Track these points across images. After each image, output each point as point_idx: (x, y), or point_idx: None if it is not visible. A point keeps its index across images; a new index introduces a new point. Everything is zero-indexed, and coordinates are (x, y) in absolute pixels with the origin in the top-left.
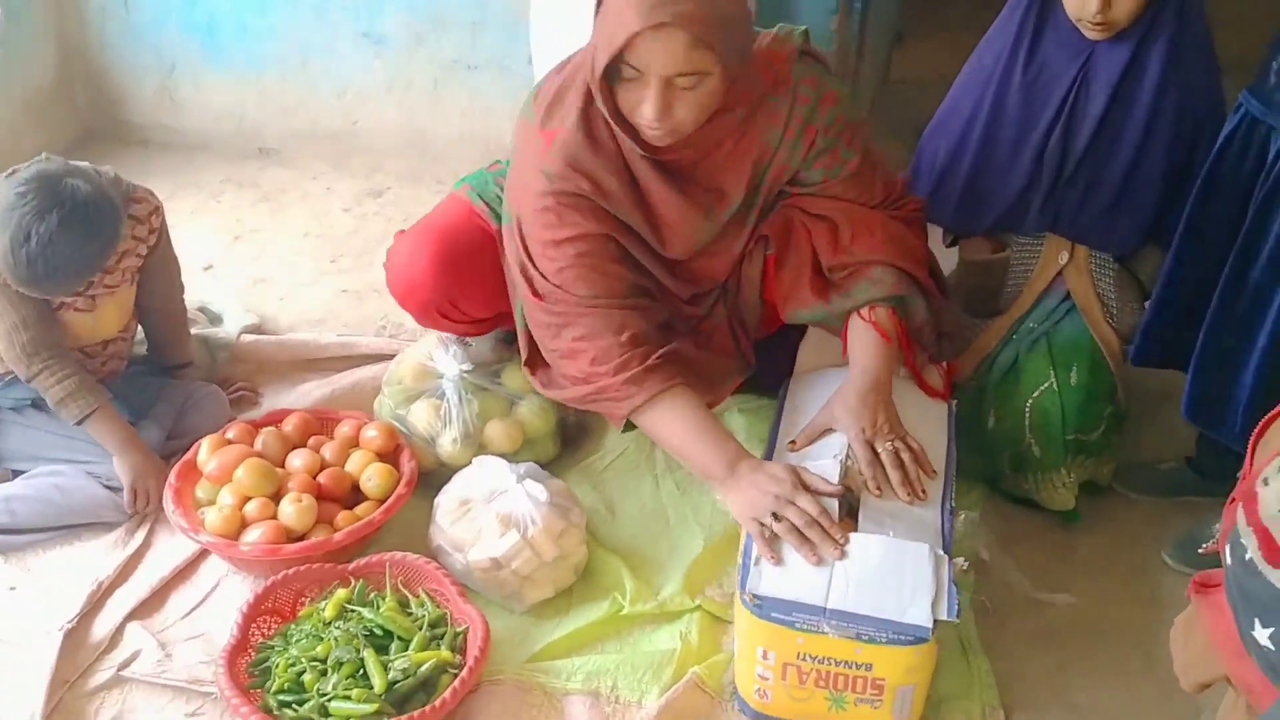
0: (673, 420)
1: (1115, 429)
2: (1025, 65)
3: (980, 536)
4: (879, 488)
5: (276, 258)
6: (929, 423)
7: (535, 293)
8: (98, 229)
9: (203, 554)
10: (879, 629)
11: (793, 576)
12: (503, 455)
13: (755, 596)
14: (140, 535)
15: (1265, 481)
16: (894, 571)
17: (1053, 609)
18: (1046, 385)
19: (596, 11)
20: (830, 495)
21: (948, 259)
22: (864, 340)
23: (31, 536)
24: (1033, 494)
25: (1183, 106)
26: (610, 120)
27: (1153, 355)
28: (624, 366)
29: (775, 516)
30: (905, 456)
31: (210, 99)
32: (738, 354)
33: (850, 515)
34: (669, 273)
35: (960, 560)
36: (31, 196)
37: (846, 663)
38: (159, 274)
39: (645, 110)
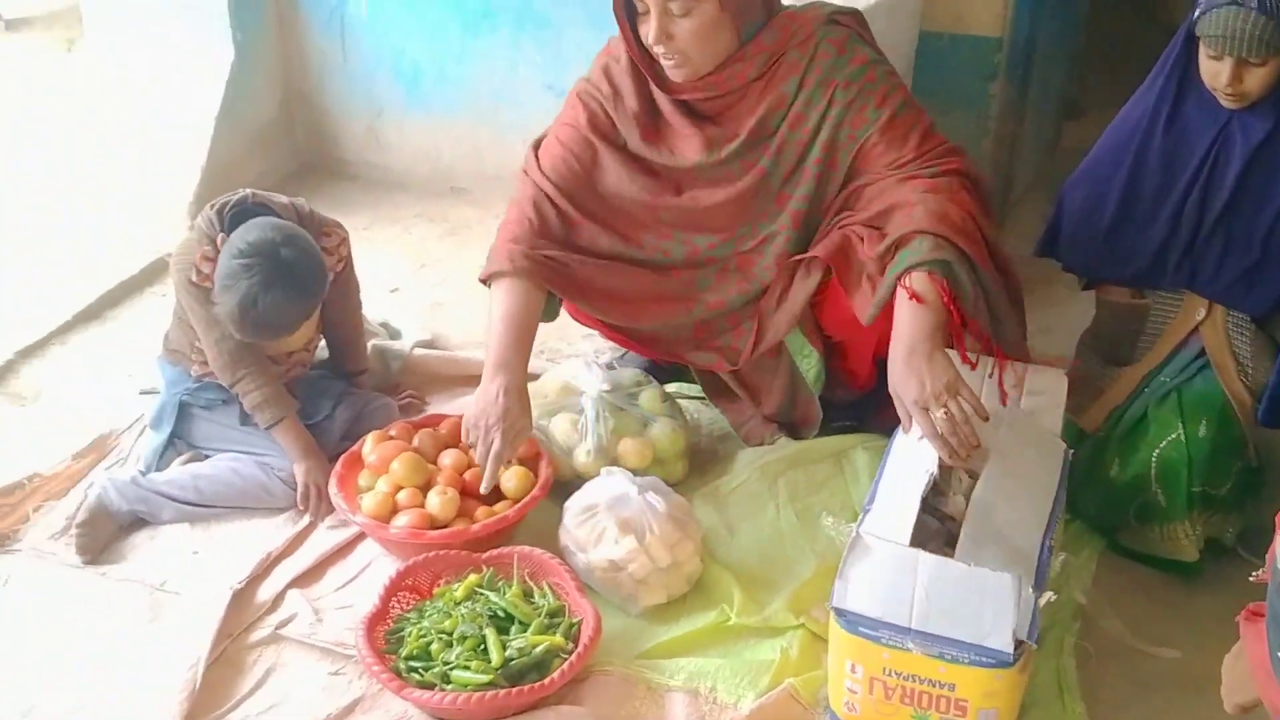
0: (499, 303)
1: (1247, 487)
2: (1167, 126)
3: (1080, 581)
4: (950, 456)
5: (455, 285)
6: (1043, 461)
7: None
8: (311, 291)
9: (359, 538)
10: (961, 650)
11: (878, 593)
12: (634, 471)
13: (843, 611)
14: (308, 516)
15: None
16: (977, 596)
17: (1156, 662)
18: (1174, 436)
19: None
20: None
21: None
22: (901, 309)
23: (213, 511)
24: (1156, 546)
25: None
26: (635, 58)
27: None
28: (512, 240)
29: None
30: (959, 417)
31: (411, 140)
32: (725, 344)
33: (949, 544)
34: (654, 202)
35: (1049, 594)
36: (255, 270)
37: (931, 681)
38: (343, 294)
39: (648, 37)
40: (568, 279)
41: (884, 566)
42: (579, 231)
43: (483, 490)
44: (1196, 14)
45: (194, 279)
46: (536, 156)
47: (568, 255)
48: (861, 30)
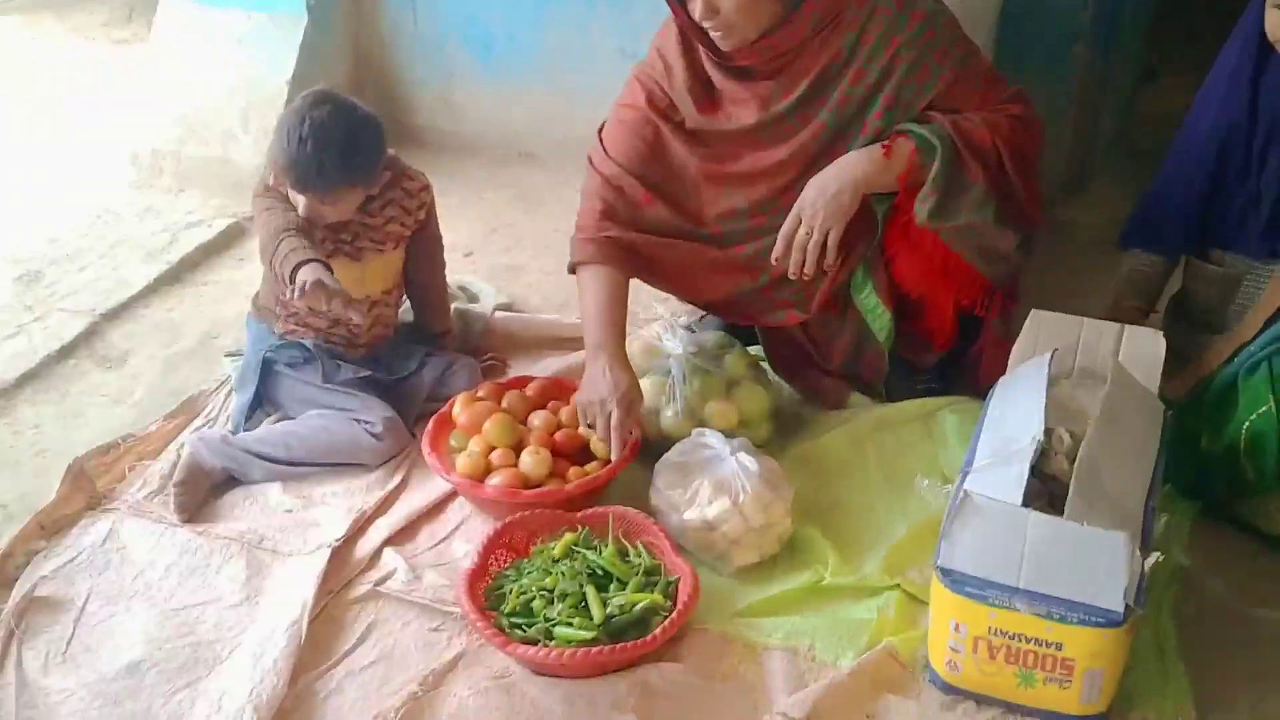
0: (586, 290)
1: None
2: (1249, 91)
3: (1181, 542)
4: (778, 260)
5: (528, 249)
6: (1145, 422)
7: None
8: (363, 135)
9: (451, 495)
10: (1071, 610)
11: (986, 553)
12: (720, 433)
13: (949, 571)
14: (399, 475)
15: None
16: (1088, 556)
17: (1257, 623)
18: (1265, 409)
19: None
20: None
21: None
22: (867, 148)
23: (305, 469)
24: (1249, 519)
25: None
26: (687, 29)
27: None
28: (581, 230)
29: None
30: (810, 244)
31: (481, 106)
32: (796, 297)
33: (1052, 505)
34: (719, 170)
35: (1156, 554)
36: (310, 96)
37: (1037, 640)
38: (425, 250)
39: (695, 11)
40: (636, 260)
41: (993, 526)
42: (646, 211)
43: (613, 457)
44: None
45: (268, 186)
46: (601, 141)
47: (635, 235)
48: None
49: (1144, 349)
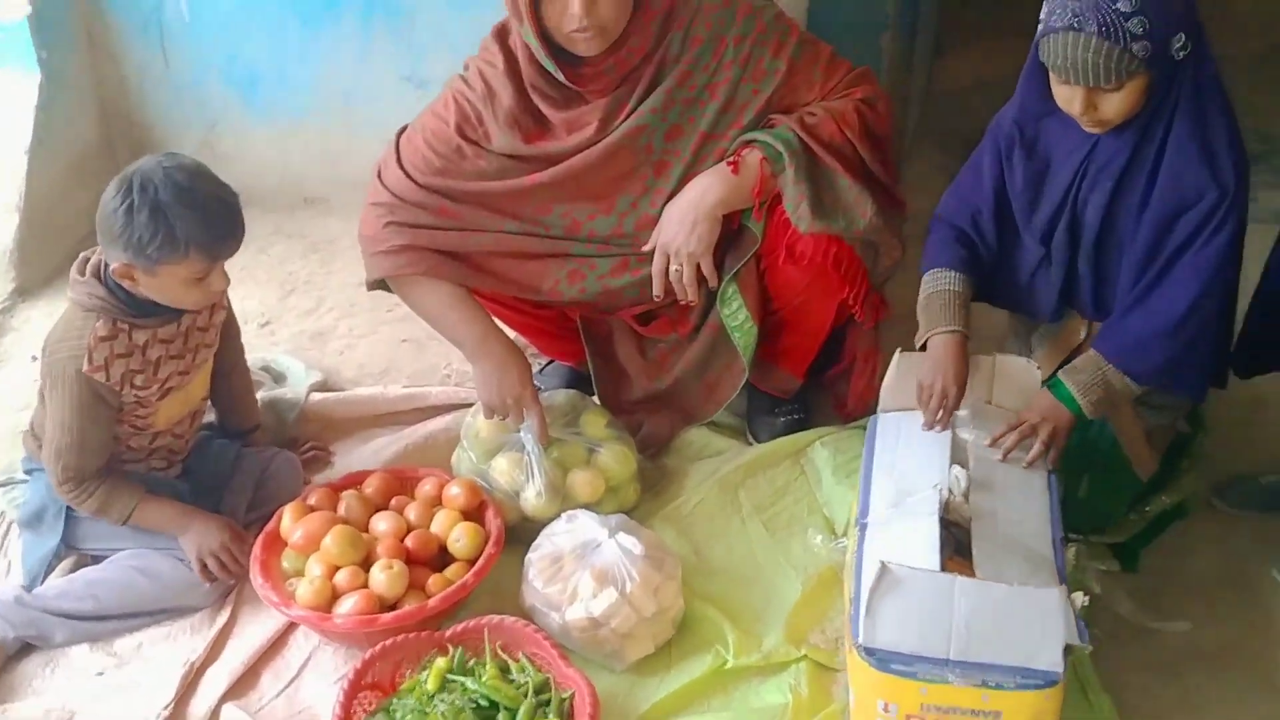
0: (428, 297)
1: (1181, 452)
2: (1028, 150)
3: (1089, 569)
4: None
5: (332, 309)
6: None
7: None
8: (212, 177)
9: (290, 626)
10: (1007, 675)
11: (911, 626)
12: (586, 505)
13: (873, 650)
14: (225, 612)
15: None
16: (1020, 617)
17: (1166, 637)
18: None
19: None
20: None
21: None
22: (715, 168)
23: (116, 623)
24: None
25: (1175, 198)
26: (537, 44)
27: (1257, 362)
28: (371, 241)
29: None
30: (684, 279)
31: (253, 151)
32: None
33: (958, 552)
34: (528, 183)
35: (1081, 595)
36: (146, 169)
37: (974, 712)
38: (229, 333)
39: (573, 10)
40: (446, 262)
41: (916, 597)
42: (450, 217)
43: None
44: (1038, 34)
45: (86, 367)
46: (398, 148)
47: (437, 235)
48: None
49: (1018, 379)
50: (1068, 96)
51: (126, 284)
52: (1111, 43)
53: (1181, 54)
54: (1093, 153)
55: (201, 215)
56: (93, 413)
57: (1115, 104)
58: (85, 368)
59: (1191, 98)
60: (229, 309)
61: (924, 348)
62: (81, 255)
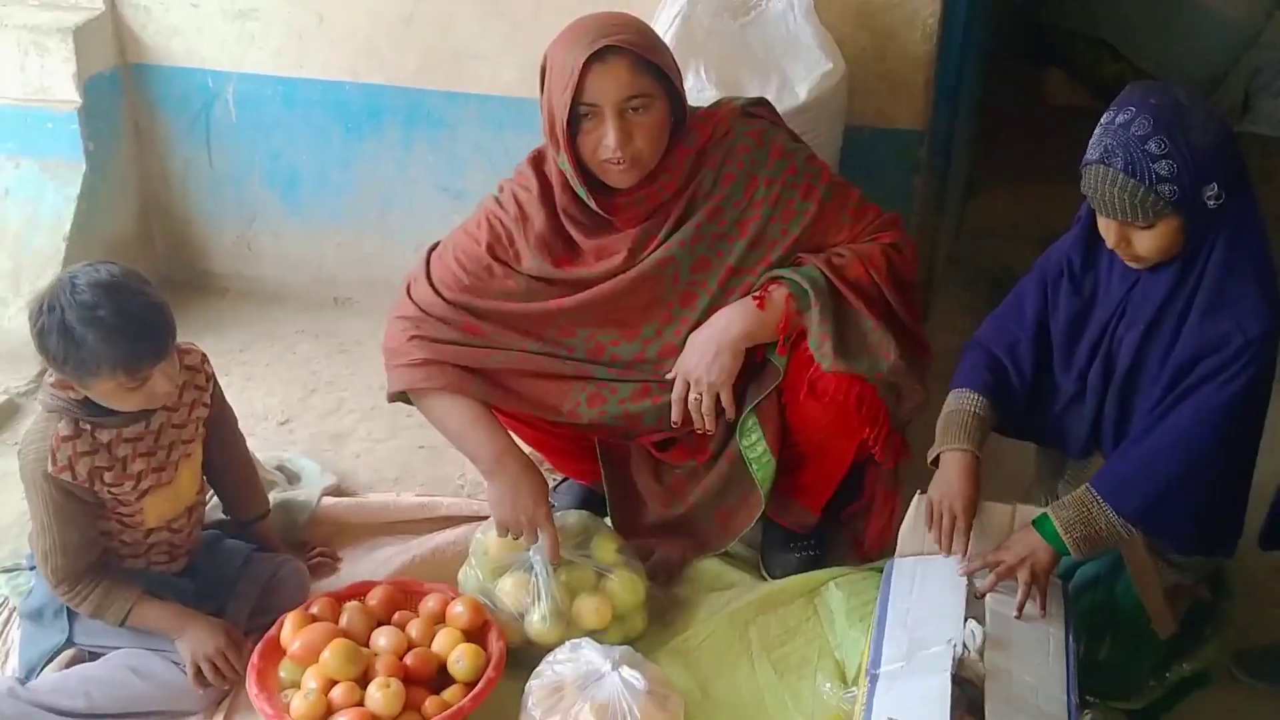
0: (452, 413)
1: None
2: (1075, 284)
3: None
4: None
5: (352, 411)
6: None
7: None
8: (136, 279)
9: None
10: None
11: None
12: (592, 632)
13: None
14: (219, 719)
15: None
16: None
17: None
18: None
19: (542, 85)
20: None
21: None
22: (741, 301)
23: None
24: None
25: (1197, 342)
26: (572, 171)
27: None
28: (394, 355)
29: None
30: (704, 409)
31: (287, 249)
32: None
33: (970, 711)
34: (555, 306)
35: None
36: (50, 296)
37: None
38: (221, 424)
39: (608, 141)
40: (469, 378)
41: None
42: (474, 334)
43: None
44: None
45: (51, 468)
46: (428, 265)
47: (461, 350)
48: (775, 118)
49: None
50: (1104, 228)
51: (70, 394)
52: (1137, 181)
53: (1214, 203)
54: (1132, 291)
55: (105, 334)
56: (66, 512)
57: (1148, 242)
58: (50, 469)
59: (1229, 245)
60: (218, 403)
61: (935, 464)
62: None
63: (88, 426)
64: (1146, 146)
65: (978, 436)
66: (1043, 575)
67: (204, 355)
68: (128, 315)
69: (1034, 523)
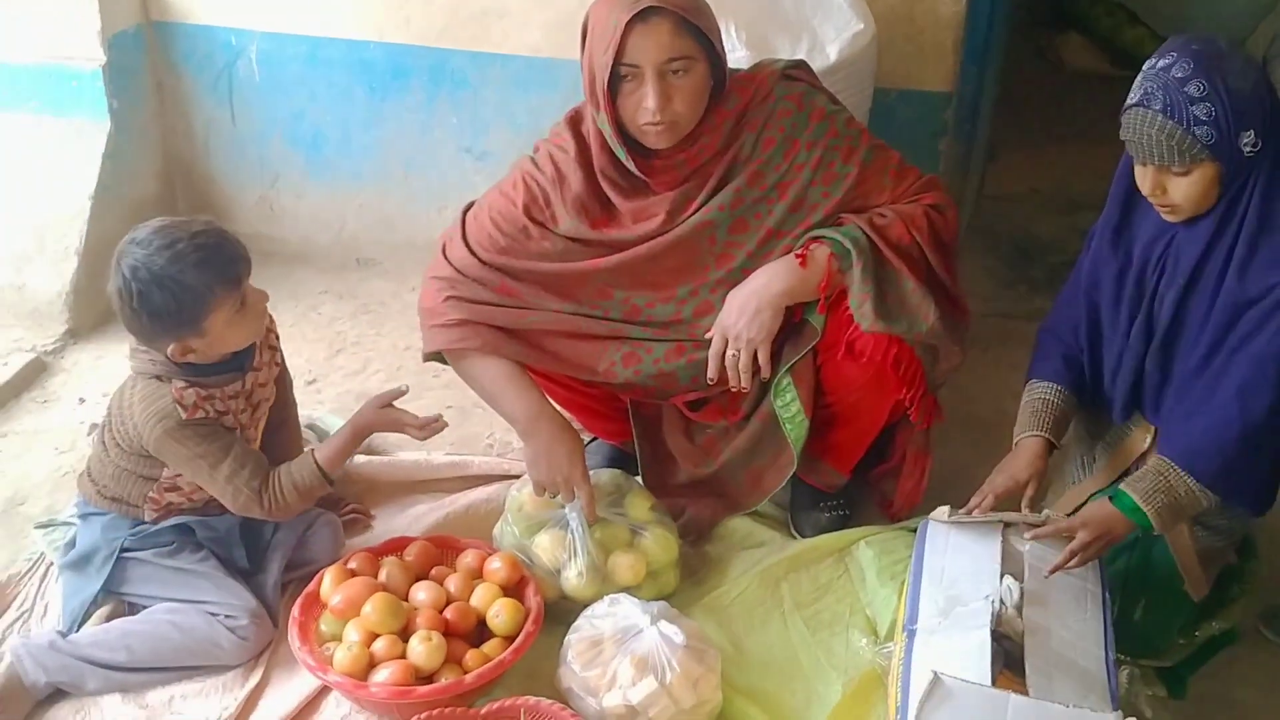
0: (485, 373)
1: (1236, 577)
2: (1114, 240)
3: (1141, 692)
4: (710, 379)
5: (379, 370)
6: (1082, 571)
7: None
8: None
9: (323, 691)
10: None
11: None
12: (627, 588)
13: None
14: (259, 672)
15: None
16: None
17: None
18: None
19: (583, 44)
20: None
21: None
22: (782, 258)
23: (148, 675)
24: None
25: (1240, 293)
26: (611, 131)
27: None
28: (431, 315)
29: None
30: (741, 366)
31: (309, 209)
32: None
33: (1008, 665)
34: (591, 266)
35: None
36: (142, 238)
37: None
38: (283, 383)
39: (647, 104)
40: (505, 338)
41: (968, 711)
42: (510, 295)
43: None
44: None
45: (185, 416)
46: (464, 225)
47: (495, 311)
48: (814, 81)
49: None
50: (1140, 176)
51: (191, 359)
52: (1175, 123)
53: (1251, 150)
54: (1169, 247)
55: (197, 261)
56: (218, 440)
57: (1184, 189)
58: (184, 416)
59: (1266, 195)
60: (282, 364)
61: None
62: None
63: (195, 385)
64: (1186, 89)
65: (1049, 422)
66: (1103, 547)
67: (264, 294)
68: (200, 240)
69: (1111, 498)
